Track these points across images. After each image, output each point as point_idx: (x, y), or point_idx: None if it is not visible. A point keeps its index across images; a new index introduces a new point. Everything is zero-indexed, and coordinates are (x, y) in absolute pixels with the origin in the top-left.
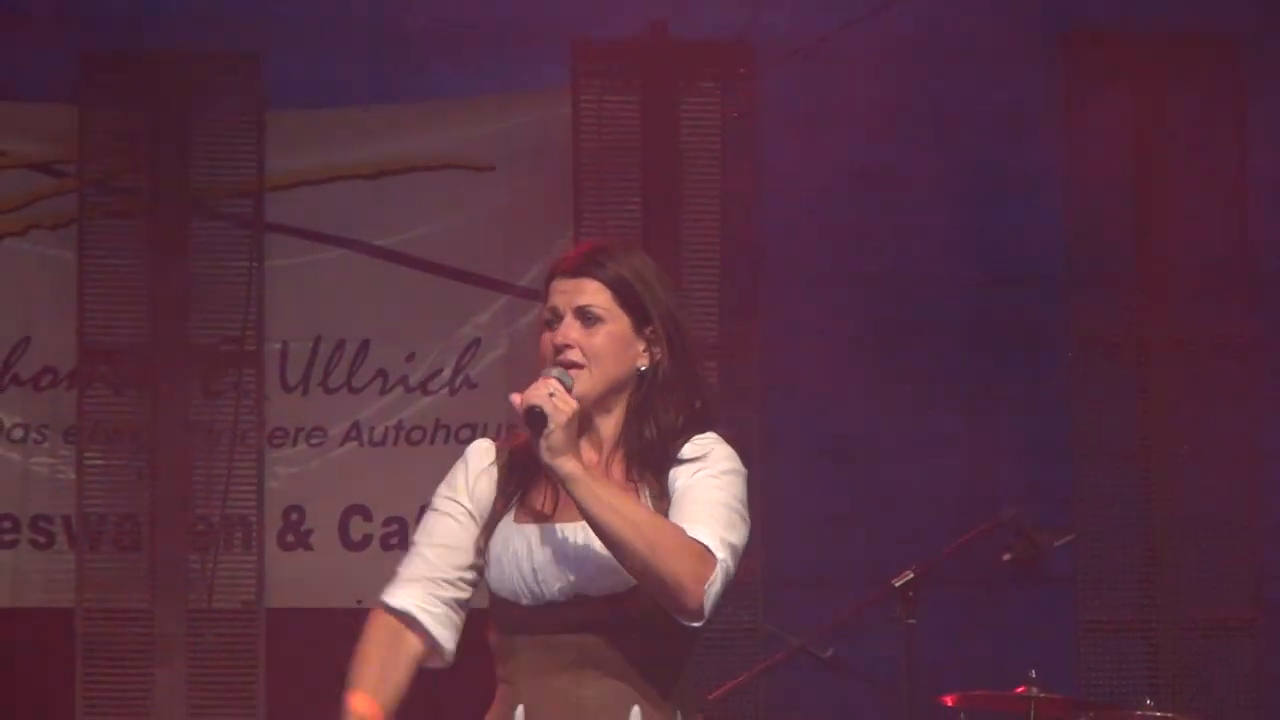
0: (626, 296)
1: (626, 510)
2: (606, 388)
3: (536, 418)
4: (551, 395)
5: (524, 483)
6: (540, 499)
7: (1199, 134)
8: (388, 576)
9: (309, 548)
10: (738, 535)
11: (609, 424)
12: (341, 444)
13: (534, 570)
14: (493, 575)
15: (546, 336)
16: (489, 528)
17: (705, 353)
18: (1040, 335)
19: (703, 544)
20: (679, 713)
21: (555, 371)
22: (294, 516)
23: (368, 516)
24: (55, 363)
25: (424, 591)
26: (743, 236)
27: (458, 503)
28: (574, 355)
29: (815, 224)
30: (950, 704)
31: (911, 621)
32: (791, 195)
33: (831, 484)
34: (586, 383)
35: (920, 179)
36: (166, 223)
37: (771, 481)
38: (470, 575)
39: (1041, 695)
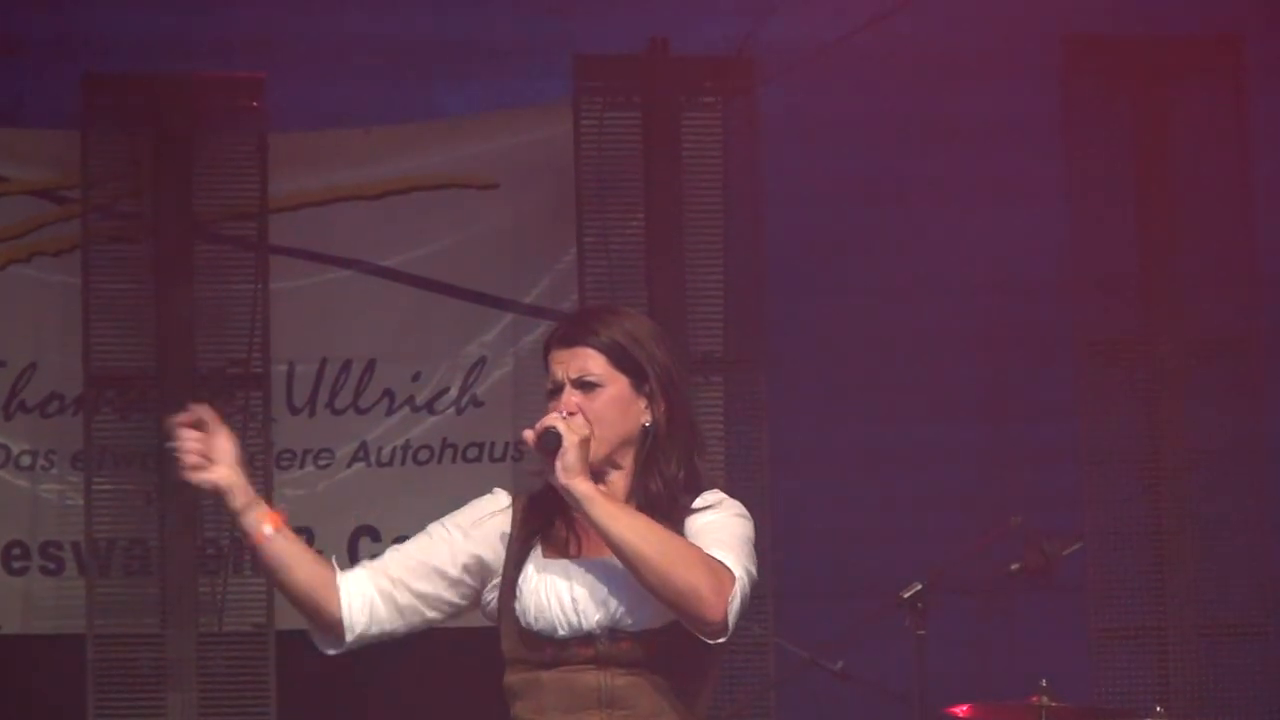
0: (621, 359)
1: (643, 526)
2: (612, 448)
3: (551, 438)
4: (565, 417)
5: (546, 522)
6: (564, 537)
7: (1201, 136)
8: None
9: None
10: (754, 567)
11: (620, 480)
12: (349, 465)
13: (573, 600)
14: (528, 609)
15: (551, 406)
16: (510, 570)
17: (711, 367)
18: (1045, 342)
19: (720, 560)
20: None
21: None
22: (302, 538)
23: (376, 537)
24: (62, 389)
25: (364, 573)
26: (747, 250)
27: (445, 527)
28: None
29: (819, 236)
30: (962, 715)
31: (921, 632)
32: (795, 208)
33: (839, 495)
34: (594, 447)
35: (922, 188)
36: (171, 247)
37: (779, 494)
38: (417, 587)
39: (1053, 704)
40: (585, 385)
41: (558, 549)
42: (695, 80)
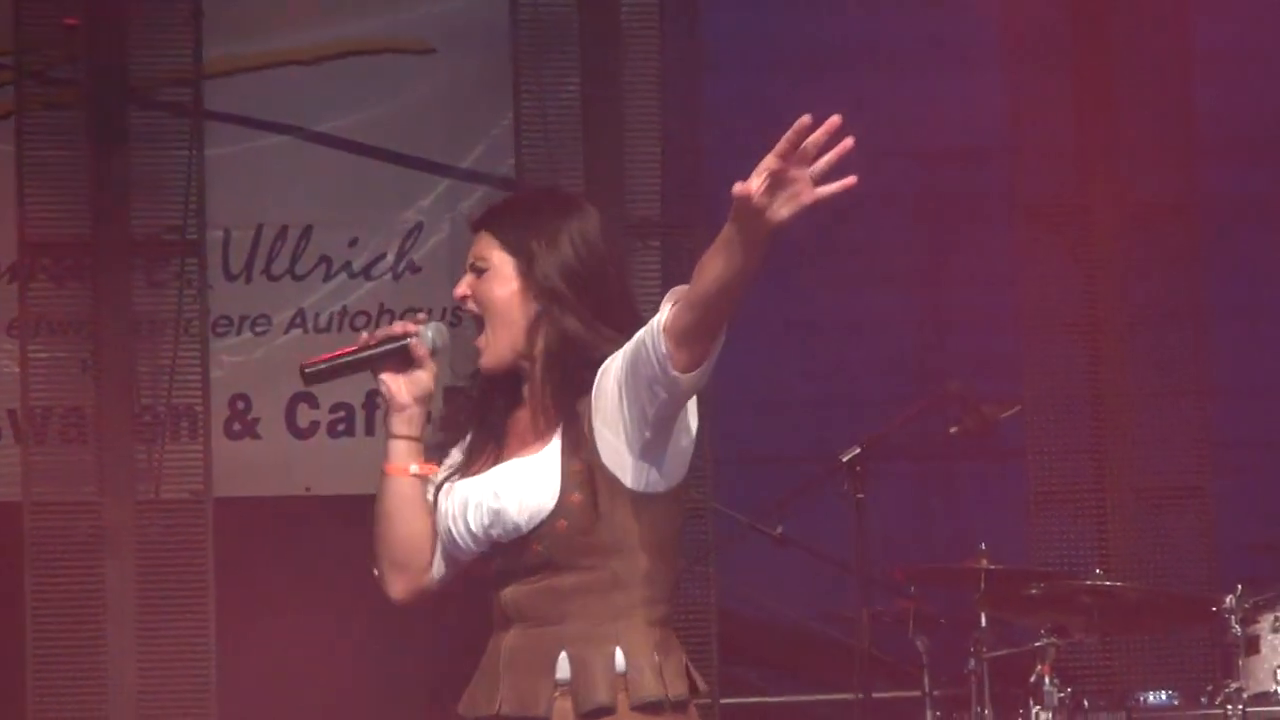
0: (514, 243)
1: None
2: (506, 333)
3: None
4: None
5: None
6: (465, 460)
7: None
8: (335, 463)
9: (256, 436)
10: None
11: (534, 371)
12: (286, 331)
13: (455, 519)
14: (441, 535)
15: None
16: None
17: (649, 231)
18: (985, 207)
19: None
20: (619, 649)
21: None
22: (240, 405)
23: (314, 404)
24: None
25: None
26: (684, 113)
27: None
28: (470, 306)
29: (756, 100)
30: (901, 577)
31: (860, 496)
32: (732, 72)
33: (778, 360)
34: (485, 336)
35: (860, 52)
36: (105, 113)
37: (718, 361)
38: None
39: (992, 567)
40: (476, 269)
41: (460, 471)
42: None
